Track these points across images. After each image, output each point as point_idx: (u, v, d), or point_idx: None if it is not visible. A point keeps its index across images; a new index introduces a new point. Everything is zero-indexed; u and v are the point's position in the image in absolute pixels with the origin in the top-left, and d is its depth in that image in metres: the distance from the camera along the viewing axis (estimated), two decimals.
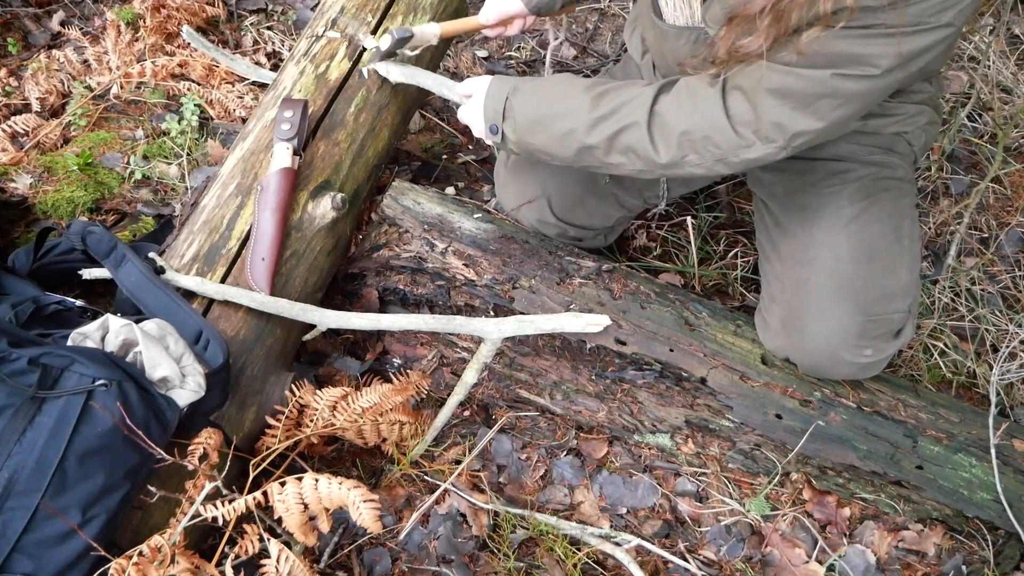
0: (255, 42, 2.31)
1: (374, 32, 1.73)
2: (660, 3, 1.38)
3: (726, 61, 1.19)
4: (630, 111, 1.28)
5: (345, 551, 1.42)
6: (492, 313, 1.57)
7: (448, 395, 1.54)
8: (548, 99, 1.35)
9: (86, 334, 1.16)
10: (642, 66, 1.69)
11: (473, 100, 1.44)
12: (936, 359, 1.82)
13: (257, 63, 2.22)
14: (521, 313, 1.55)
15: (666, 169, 1.30)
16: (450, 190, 1.98)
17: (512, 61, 2.51)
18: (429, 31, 1.57)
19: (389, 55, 1.58)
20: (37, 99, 2.02)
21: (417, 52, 1.63)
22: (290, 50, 1.98)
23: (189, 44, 2.10)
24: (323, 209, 1.50)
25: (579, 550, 1.46)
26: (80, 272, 1.40)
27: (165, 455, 1.08)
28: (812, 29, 1.07)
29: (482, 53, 2.51)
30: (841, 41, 1.09)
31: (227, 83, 2.12)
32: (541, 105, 1.35)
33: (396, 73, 1.57)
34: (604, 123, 1.29)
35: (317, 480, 1.10)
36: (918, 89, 1.44)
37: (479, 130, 1.44)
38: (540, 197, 1.67)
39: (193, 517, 1.10)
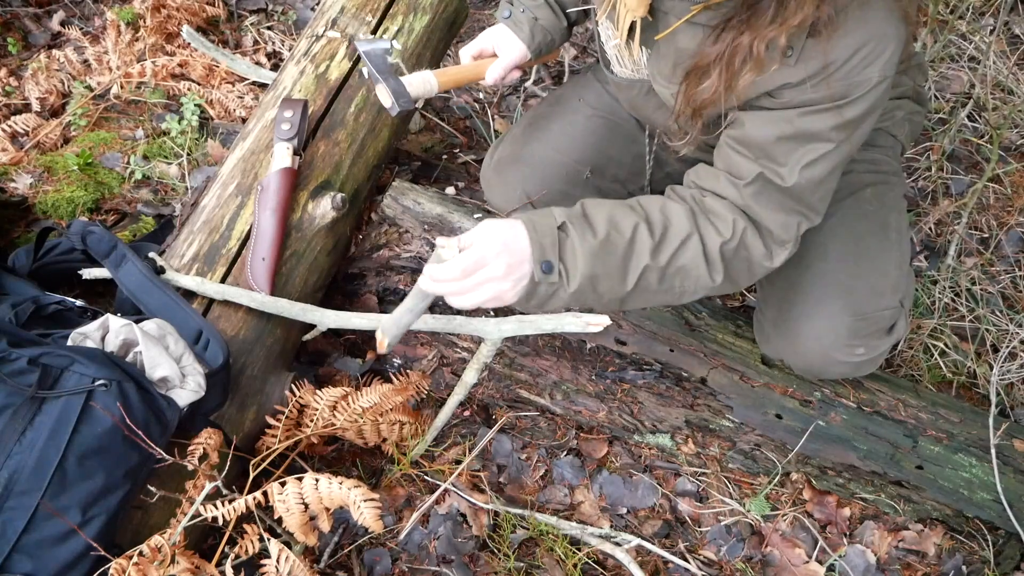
0: (255, 42, 2.31)
1: (374, 32, 1.74)
2: (609, 57, 1.41)
3: (684, 111, 1.19)
4: (678, 226, 1.18)
5: (345, 551, 1.41)
6: (492, 313, 1.57)
7: (448, 395, 1.54)
8: (603, 222, 1.16)
9: (86, 334, 1.16)
10: None
11: (491, 240, 1.08)
12: (936, 359, 1.82)
13: (257, 63, 2.22)
14: (521, 313, 1.55)
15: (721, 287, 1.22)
16: (450, 190, 1.98)
17: None
18: (428, 86, 1.39)
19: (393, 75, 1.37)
20: (37, 99, 2.02)
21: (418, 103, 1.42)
22: (290, 50, 1.98)
23: (189, 44, 2.10)
24: (323, 209, 1.50)
25: (579, 550, 1.46)
26: (80, 272, 1.40)
27: (165, 455, 1.08)
28: (758, 112, 1.12)
29: None
30: (790, 124, 1.11)
31: (227, 83, 2.12)
32: (599, 231, 1.15)
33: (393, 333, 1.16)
34: (664, 243, 1.17)
35: (317, 480, 1.10)
36: (892, 84, 1.44)
37: (516, 277, 1.09)
38: (533, 197, 1.66)
39: (193, 517, 1.10)
